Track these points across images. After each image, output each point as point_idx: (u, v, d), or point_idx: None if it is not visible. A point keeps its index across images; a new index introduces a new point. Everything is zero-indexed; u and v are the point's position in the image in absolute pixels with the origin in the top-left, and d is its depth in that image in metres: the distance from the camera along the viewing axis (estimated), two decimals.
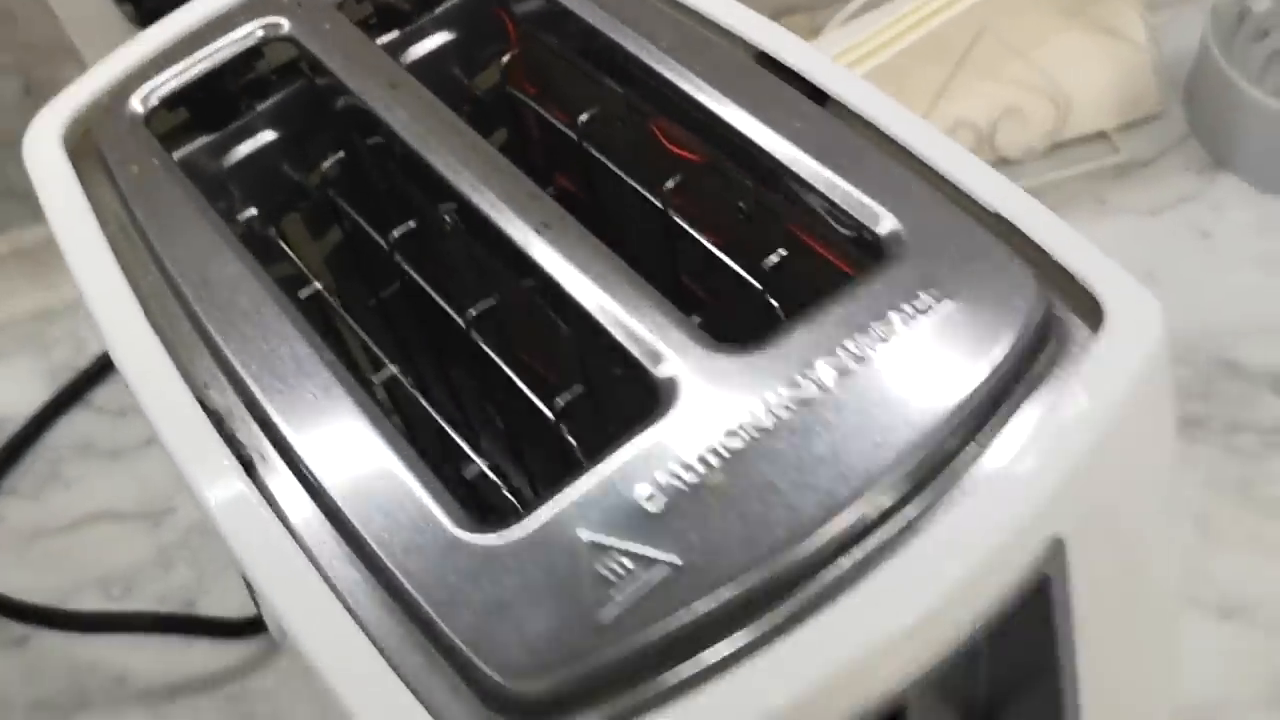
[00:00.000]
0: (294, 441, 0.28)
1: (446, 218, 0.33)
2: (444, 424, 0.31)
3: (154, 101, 0.35)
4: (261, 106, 0.37)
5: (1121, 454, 0.27)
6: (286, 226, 0.39)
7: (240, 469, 0.28)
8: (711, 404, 0.26)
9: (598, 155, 0.36)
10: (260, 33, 0.36)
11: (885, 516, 0.25)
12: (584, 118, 0.35)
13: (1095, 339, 0.27)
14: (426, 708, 0.25)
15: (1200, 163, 0.58)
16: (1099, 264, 0.29)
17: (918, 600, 0.24)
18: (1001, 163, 0.59)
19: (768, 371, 0.27)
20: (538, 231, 0.30)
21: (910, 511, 0.25)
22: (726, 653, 0.24)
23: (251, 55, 0.36)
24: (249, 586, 0.36)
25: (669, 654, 0.24)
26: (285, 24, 0.36)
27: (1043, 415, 0.26)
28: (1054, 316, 0.28)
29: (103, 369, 0.60)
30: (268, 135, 0.37)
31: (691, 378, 0.27)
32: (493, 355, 0.32)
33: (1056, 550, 0.26)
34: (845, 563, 0.25)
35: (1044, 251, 0.29)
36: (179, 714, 0.50)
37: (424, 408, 0.32)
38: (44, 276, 0.64)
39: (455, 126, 0.33)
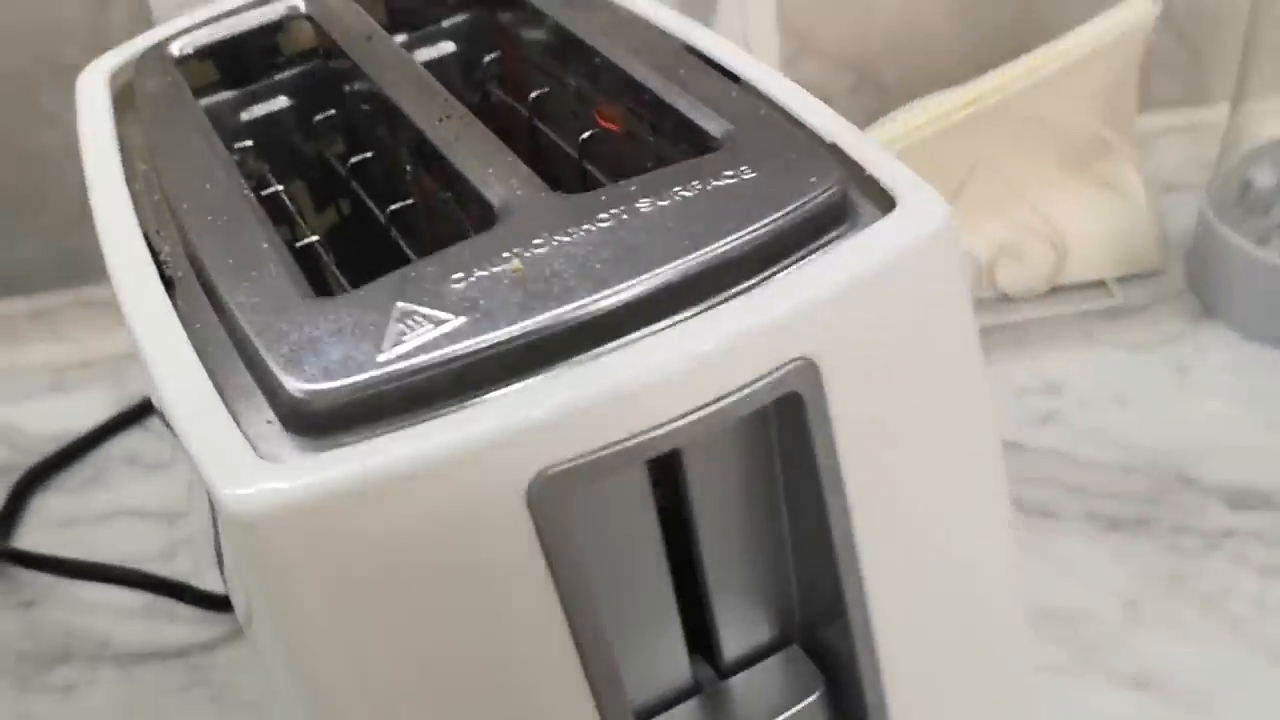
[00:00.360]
0: (204, 257, 0.33)
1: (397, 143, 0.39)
2: (342, 280, 0.36)
3: (188, 50, 0.43)
4: (279, 76, 0.44)
5: (885, 306, 0.30)
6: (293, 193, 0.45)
7: (161, 282, 0.34)
8: (531, 224, 0.31)
9: (543, 128, 0.42)
10: (284, 10, 0.44)
11: (652, 311, 0.29)
12: (534, 94, 0.42)
13: (883, 219, 0.31)
14: (239, 426, 0.29)
15: (1192, 312, 0.61)
16: (906, 177, 0.32)
17: (662, 365, 0.28)
18: (1002, 299, 0.62)
19: (585, 207, 0.31)
20: (439, 120, 0.36)
21: (678, 314, 0.29)
22: (494, 396, 0.28)
23: (276, 29, 0.44)
24: (221, 568, 0.41)
25: (442, 390, 0.28)
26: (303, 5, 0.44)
27: (814, 260, 0.30)
28: (853, 204, 0.32)
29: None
30: (280, 102, 0.45)
31: (521, 206, 0.31)
32: (401, 243, 0.37)
33: (809, 372, 0.29)
34: (607, 340, 0.29)
35: (863, 169, 0.33)
36: (145, 674, 0.54)
37: (335, 275, 0.37)
38: None
39: (409, 65, 0.39)
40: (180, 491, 0.62)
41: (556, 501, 0.28)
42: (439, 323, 0.29)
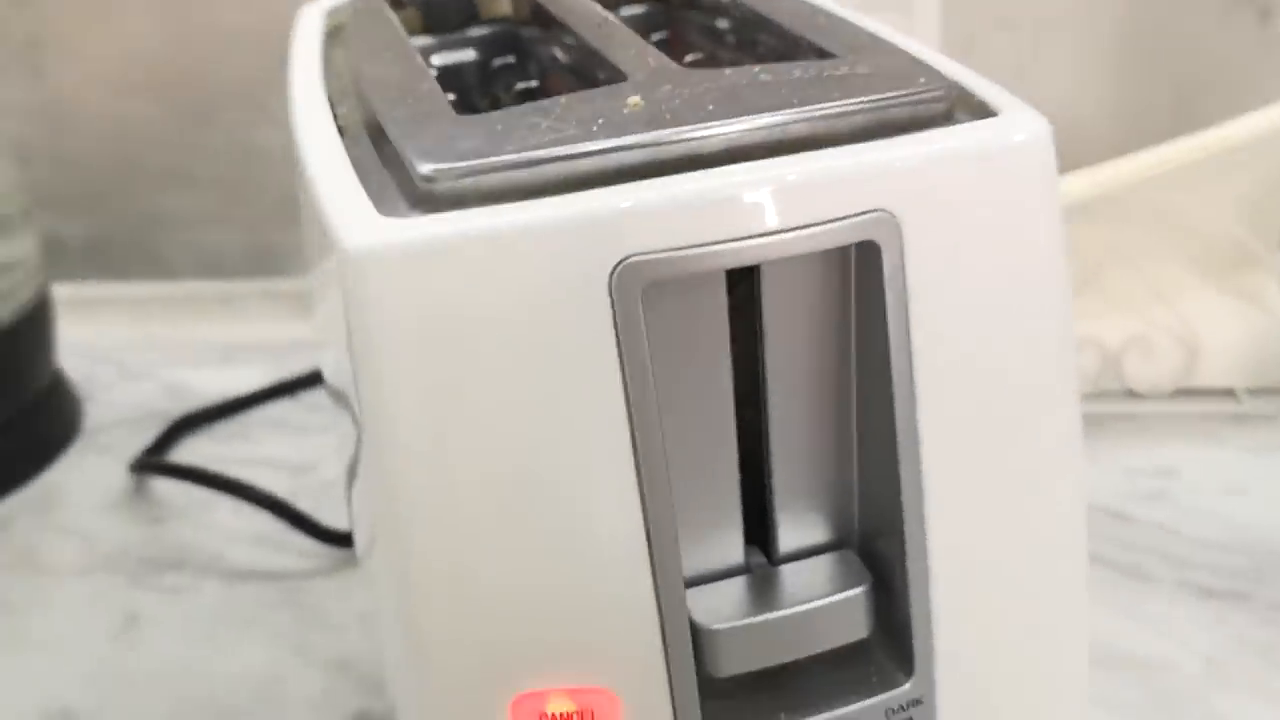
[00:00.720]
0: (374, 104, 0.37)
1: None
2: None
3: None
4: (473, 31, 0.50)
5: (972, 191, 0.32)
6: None
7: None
8: (656, 82, 0.34)
9: None
10: None
11: (751, 149, 0.32)
12: (689, 58, 0.46)
13: (982, 120, 0.34)
14: (371, 202, 0.32)
15: None
16: (1015, 104, 0.35)
17: (751, 185, 0.31)
18: (1128, 394, 0.62)
19: (709, 74, 0.34)
20: (596, 26, 0.40)
21: (778, 154, 0.32)
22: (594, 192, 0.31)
23: None
24: (349, 499, 0.44)
25: (549, 183, 0.31)
26: None
27: (909, 136, 0.32)
28: (957, 114, 0.34)
29: (307, 380, 0.72)
30: (468, 53, 0.50)
31: (652, 70, 0.35)
32: None
33: (890, 225, 0.31)
34: (705, 167, 0.31)
35: (974, 95, 0.35)
36: (245, 590, 0.57)
37: None
38: (305, 317, 0.78)
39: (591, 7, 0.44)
40: (315, 451, 0.66)
41: (636, 291, 0.30)
42: (559, 132, 0.32)
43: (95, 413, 0.72)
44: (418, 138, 0.33)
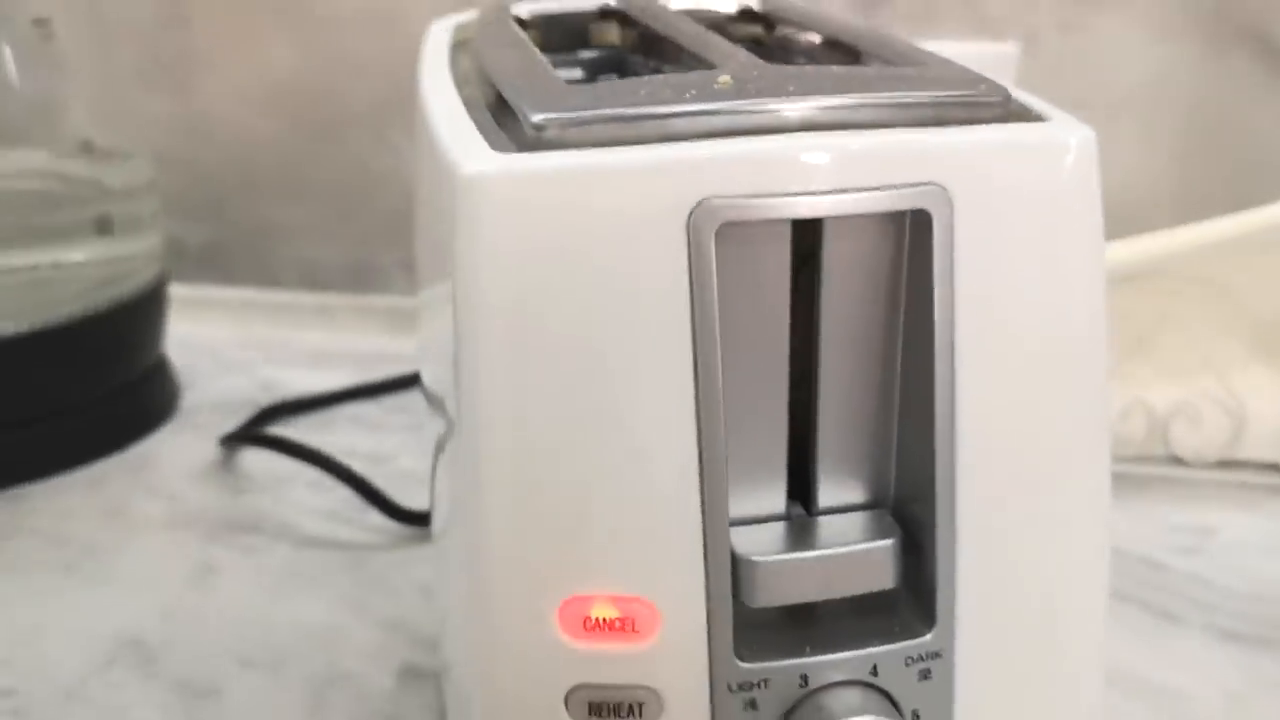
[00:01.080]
0: (494, 78, 0.42)
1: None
2: None
3: (522, 14, 0.54)
4: (583, 54, 0.54)
5: (1020, 184, 0.35)
6: None
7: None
8: (746, 70, 0.38)
9: None
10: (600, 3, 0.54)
11: (822, 123, 0.36)
12: None
13: (1032, 123, 0.37)
14: (485, 143, 0.36)
15: None
16: (1064, 117, 0.38)
17: (819, 148, 0.34)
18: (1173, 460, 0.65)
19: (791, 69, 0.39)
20: (694, 36, 0.44)
21: (843, 128, 0.36)
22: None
23: (591, 18, 0.54)
24: (432, 484, 0.48)
25: (642, 134, 0.35)
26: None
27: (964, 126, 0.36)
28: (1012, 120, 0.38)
29: (389, 385, 0.76)
30: (575, 72, 0.54)
31: (740, 64, 0.39)
32: None
33: (942, 196, 0.35)
34: (782, 133, 0.35)
35: (1029, 108, 0.39)
36: (313, 555, 0.61)
37: None
38: (397, 332, 0.83)
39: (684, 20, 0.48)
40: (394, 446, 0.70)
41: (710, 230, 0.34)
42: (656, 96, 0.36)
43: (192, 397, 0.77)
44: (532, 96, 0.37)
